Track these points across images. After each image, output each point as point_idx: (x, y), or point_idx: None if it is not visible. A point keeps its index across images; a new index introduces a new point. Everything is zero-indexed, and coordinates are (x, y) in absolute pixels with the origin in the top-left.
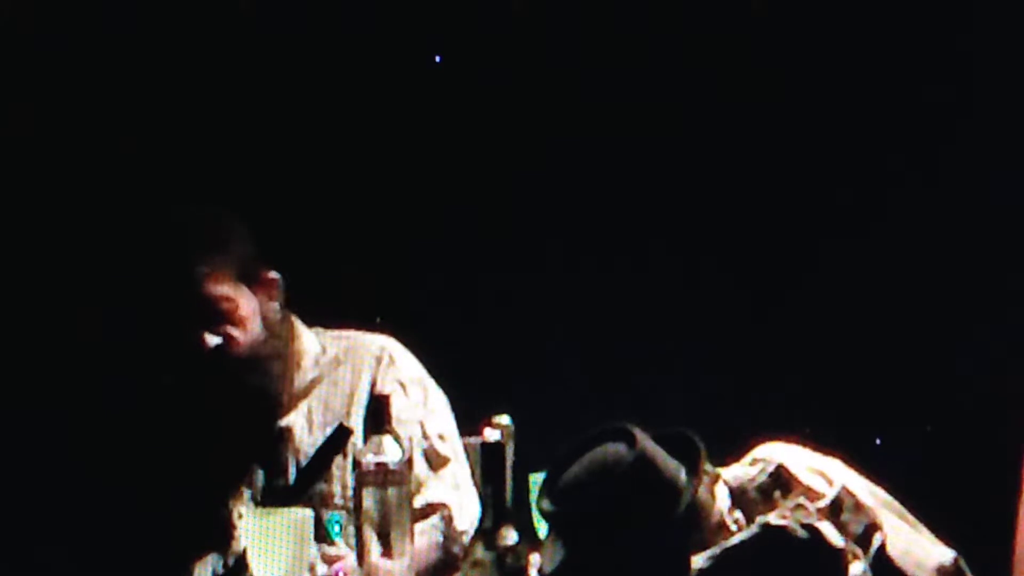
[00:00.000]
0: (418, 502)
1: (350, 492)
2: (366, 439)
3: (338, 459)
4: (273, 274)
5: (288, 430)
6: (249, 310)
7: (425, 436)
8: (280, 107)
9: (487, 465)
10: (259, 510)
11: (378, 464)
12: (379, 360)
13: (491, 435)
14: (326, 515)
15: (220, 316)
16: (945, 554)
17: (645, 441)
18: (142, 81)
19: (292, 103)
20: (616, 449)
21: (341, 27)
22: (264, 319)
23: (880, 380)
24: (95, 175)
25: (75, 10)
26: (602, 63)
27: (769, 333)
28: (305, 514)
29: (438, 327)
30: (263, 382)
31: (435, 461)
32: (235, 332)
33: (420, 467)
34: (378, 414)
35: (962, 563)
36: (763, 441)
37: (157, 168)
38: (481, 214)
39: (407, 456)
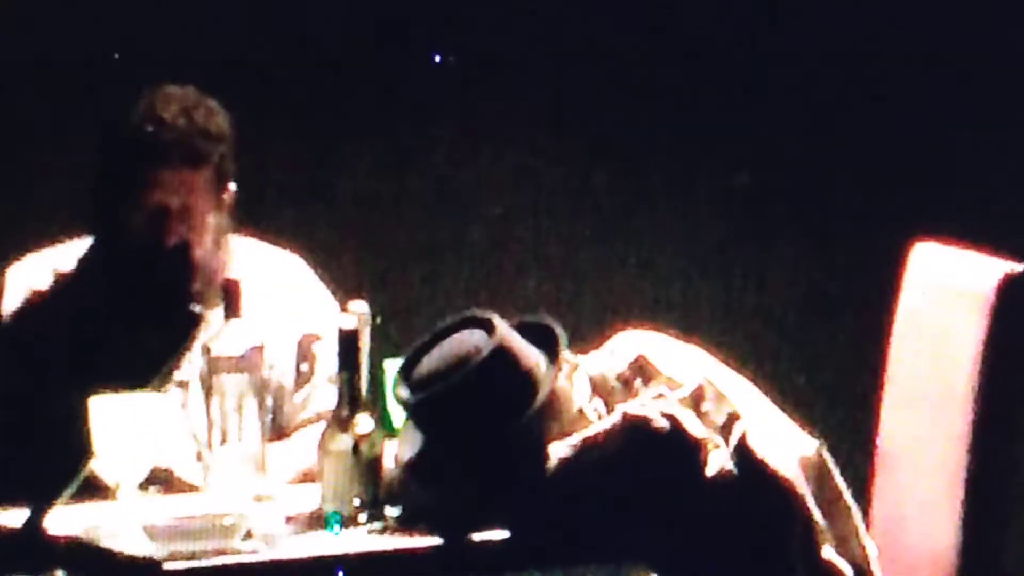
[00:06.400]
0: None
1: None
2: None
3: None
4: (233, 187)
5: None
6: (210, 221)
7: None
8: None
9: (342, 351)
10: (109, 395)
11: (229, 350)
12: (301, 274)
13: (346, 321)
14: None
15: (187, 219)
16: (808, 443)
17: (504, 329)
18: None
19: None
20: (475, 337)
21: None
22: (216, 232)
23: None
24: None
25: None
26: None
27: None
28: (158, 398)
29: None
30: (197, 294)
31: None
32: (193, 239)
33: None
34: (229, 300)
35: (824, 452)
36: (623, 329)
37: None
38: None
39: (259, 344)
